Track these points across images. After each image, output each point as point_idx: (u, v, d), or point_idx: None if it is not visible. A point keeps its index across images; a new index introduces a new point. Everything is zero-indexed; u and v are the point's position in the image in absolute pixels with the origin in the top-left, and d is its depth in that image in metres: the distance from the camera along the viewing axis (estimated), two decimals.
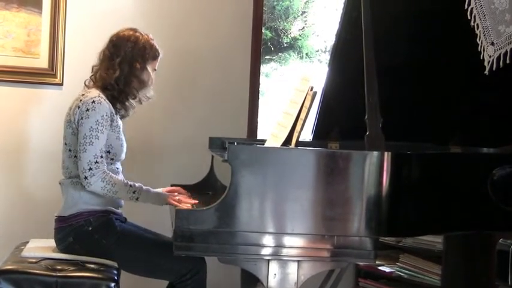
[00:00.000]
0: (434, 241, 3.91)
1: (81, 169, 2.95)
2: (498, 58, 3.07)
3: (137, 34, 3.12)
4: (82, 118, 2.97)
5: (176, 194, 3.11)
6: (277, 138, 2.94)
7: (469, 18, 3.09)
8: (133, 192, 2.99)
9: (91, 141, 2.95)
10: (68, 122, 3.06)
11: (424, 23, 3.17)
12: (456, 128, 3.35)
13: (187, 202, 2.96)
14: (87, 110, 2.97)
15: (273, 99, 5.68)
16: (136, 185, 3.02)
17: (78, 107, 3.00)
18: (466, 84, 3.23)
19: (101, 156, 2.97)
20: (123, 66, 3.08)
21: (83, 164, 2.94)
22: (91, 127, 2.96)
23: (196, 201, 2.96)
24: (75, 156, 3.02)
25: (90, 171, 2.94)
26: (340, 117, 3.35)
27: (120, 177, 3.07)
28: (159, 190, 3.11)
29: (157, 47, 3.15)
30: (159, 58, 3.17)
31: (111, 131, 3.04)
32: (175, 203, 2.95)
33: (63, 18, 3.93)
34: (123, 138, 3.13)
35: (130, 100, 3.14)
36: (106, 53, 3.12)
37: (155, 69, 3.18)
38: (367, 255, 2.66)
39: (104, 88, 3.08)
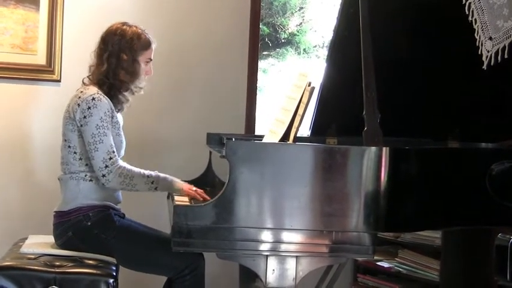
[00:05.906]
0: (433, 236, 3.90)
1: (97, 168, 2.96)
2: (496, 53, 3.07)
3: (124, 27, 3.11)
4: (85, 117, 2.97)
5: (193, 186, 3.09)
6: (275, 134, 2.94)
7: (467, 13, 3.09)
8: (152, 183, 3.00)
9: (100, 139, 2.96)
10: (67, 119, 3.06)
11: (421, 18, 3.17)
12: (454, 123, 3.35)
13: (202, 196, 2.96)
14: (89, 108, 2.97)
15: (271, 95, 5.68)
16: (153, 174, 3.02)
17: (78, 105, 2.99)
18: (464, 79, 3.23)
19: (113, 151, 2.98)
20: (111, 59, 3.08)
21: (98, 162, 2.95)
22: (97, 125, 2.96)
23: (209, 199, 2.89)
24: (75, 153, 3.03)
25: (107, 168, 2.95)
26: (338, 113, 3.35)
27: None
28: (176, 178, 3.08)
29: (147, 36, 3.13)
30: (152, 47, 3.14)
31: (112, 127, 3.04)
32: (192, 193, 2.97)
33: (61, 14, 3.92)
34: (123, 135, 3.13)
35: (123, 93, 3.12)
36: (97, 50, 3.13)
37: (151, 59, 3.15)
38: (365, 251, 2.66)
39: (99, 84, 3.08)
